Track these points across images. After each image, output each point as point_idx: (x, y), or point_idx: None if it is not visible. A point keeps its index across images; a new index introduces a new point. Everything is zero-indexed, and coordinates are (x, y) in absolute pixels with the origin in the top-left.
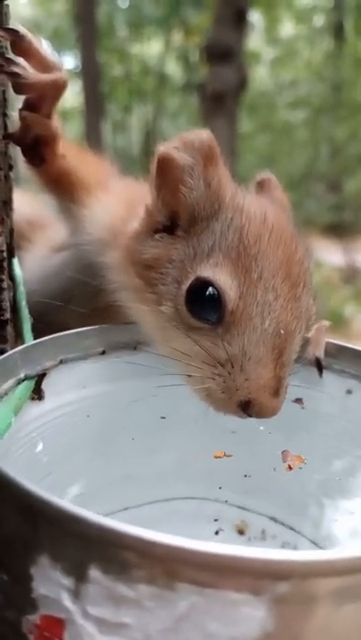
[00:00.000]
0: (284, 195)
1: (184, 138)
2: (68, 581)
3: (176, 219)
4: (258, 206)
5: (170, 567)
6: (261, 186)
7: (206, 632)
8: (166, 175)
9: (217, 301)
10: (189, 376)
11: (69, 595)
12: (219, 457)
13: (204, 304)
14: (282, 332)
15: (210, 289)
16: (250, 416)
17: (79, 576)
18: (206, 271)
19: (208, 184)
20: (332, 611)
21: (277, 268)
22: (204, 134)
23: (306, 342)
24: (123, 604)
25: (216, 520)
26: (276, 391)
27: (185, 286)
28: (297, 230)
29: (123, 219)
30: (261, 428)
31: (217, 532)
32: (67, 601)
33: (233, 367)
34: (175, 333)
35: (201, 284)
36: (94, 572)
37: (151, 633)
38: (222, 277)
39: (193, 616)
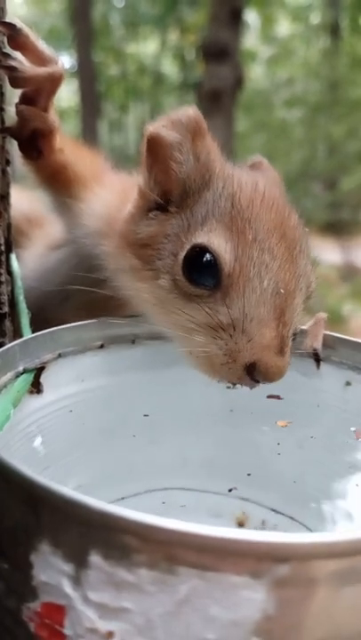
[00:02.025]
0: (276, 174)
1: (171, 116)
2: (68, 568)
3: (168, 196)
4: (249, 176)
5: (170, 551)
6: (253, 167)
7: (207, 616)
8: (156, 154)
9: (214, 266)
10: (193, 345)
11: (70, 581)
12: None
13: (201, 270)
14: (282, 290)
15: (206, 255)
16: (257, 382)
17: (80, 562)
18: (201, 238)
19: (197, 157)
20: (332, 593)
21: (272, 230)
22: (189, 110)
23: (304, 334)
24: (123, 588)
25: (216, 511)
26: (281, 350)
27: (181, 256)
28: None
29: (118, 208)
30: (265, 428)
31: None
32: (67, 587)
33: (235, 330)
34: (175, 305)
35: (197, 252)
36: (95, 558)
37: (152, 617)
38: (217, 241)
39: (194, 600)
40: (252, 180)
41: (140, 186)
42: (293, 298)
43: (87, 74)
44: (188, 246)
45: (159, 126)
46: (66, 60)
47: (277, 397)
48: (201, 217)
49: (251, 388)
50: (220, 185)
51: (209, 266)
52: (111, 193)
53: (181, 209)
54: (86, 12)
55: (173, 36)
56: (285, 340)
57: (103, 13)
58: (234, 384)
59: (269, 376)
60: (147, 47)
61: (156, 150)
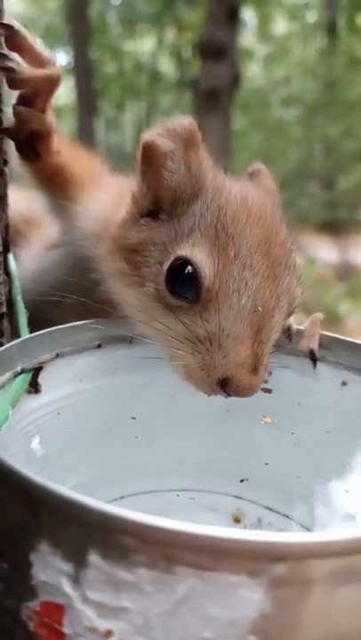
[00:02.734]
0: (272, 182)
1: (166, 125)
2: (67, 567)
3: (160, 203)
4: (239, 189)
5: (169, 551)
6: (252, 175)
7: (205, 615)
8: (150, 161)
9: (194, 279)
10: (172, 354)
11: (69, 580)
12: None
13: (182, 282)
14: (259, 308)
15: (188, 267)
16: (229, 395)
17: (79, 562)
18: (185, 250)
19: (189, 167)
20: (329, 593)
21: (255, 247)
22: (185, 120)
23: (300, 334)
24: (122, 588)
25: (213, 509)
26: (255, 368)
27: (165, 266)
28: (284, 216)
29: (113, 211)
30: (261, 428)
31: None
32: (66, 587)
33: (211, 344)
34: (157, 313)
35: (180, 264)
36: (94, 558)
37: (150, 617)
38: (199, 255)
39: (192, 599)
40: (242, 193)
41: (133, 192)
42: (272, 316)
43: (84, 71)
44: (172, 257)
45: (154, 134)
46: (62, 58)
47: (268, 391)
48: (187, 228)
49: (226, 397)
50: (208, 197)
51: (190, 278)
52: (108, 196)
53: (171, 218)
54: (83, 10)
55: (170, 34)
56: (260, 359)
57: (100, 11)
58: (208, 394)
59: (241, 393)
60: (143, 45)
61: (150, 157)
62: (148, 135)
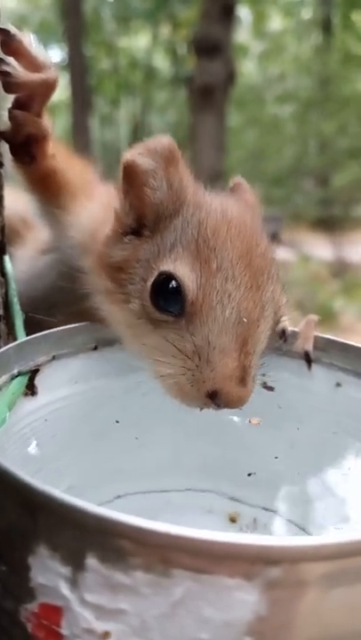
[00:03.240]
0: (253, 196)
1: (147, 144)
2: (65, 570)
3: (143, 220)
4: (219, 203)
5: (165, 554)
6: (233, 189)
7: (201, 617)
8: (132, 179)
9: (178, 293)
10: (160, 374)
11: (67, 583)
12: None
13: (167, 297)
14: (244, 320)
15: (172, 282)
16: (219, 407)
17: (77, 565)
18: (167, 265)
19: (170, 184)
20: (322, 594)
21: (237, 259)
22: (164, 140)
23: (295, 336)
24: (119, 590)
25: (208, 510)
26: (243, 380)
27: (149, 282)
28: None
29: (104, 222)
30: (256, 428)
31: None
32: (64, 589)
33: (200, 359)
34: (143, 330)
35: (163, 279)
36: (91, 561)
37: (147, 619)
38: (182, 269)
39: (188, 602)
40: (222, 207)
41: (115, 210)
42: (257, 326)
43: (78, 68)
44: (155, 272)
45: (135, 153)
46: (56, 54)
47: (271, 388)
48: (170, 243)
49: (216, 410)
50: (189, 212)
51: (174, 293)
52: (98, 206)
53: (154, 234)
54: (77, 6)
55: (165, 31)
56: (247, 370)
57: (94, 7)
58: (201, 408)
59: (230, 404)
60: (138, 41)
61: (131, 176)
62: (129, 155)
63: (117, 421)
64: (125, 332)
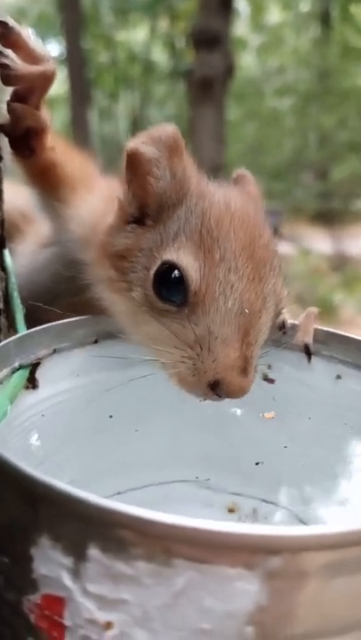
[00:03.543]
0: (256, 188)
1: (150, 133)
2: (67, 561)
3: (146, 209)
4: (222, 194)
5: (167, 544)
6: (236, 181)
7: (202, 607)
8: (135, 168)
9: (181, 283)
10: (162, 362)
11: (69, 574)
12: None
13: (169, 286)
14: (246, 310)
15: (175, 271)
16: (220, 397)
17: (79, 555)
18: (171, 254)
19: (174, 174)
20: (323, 584)
21: (240, 250)
22: (168, 128)
23: (295, 328)
24: (121, 581)
25: (208, 502)
26: (244, 370)
27: (152, 271)
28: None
29: (104, 215)
30: (256, 421)
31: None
32: (67, 580)
33: (201, 349)
34: (146, 318)
35: (167, 268)
36: (93, 551)
37: (149, 609)
38: (185, 259)
39: (189, 592)
40: (226, 198)
41: (119, 198)
42: (259, 317)
43: (76, 61)
44: (158, 262)
45: (139, 142)
46: (55, 48)
47: (271, 381)
48: (173, 233)
49: (218, 400)
50: (193, 202)
51: (177, 282)
52: (99, 199)
53: (157, 223)
54: None
55: (163, 24)
56: (249, 360)
57: (92, 0)
58: (202, 398)
59: (231, 394)
60: (137, 34)
61: (135, 165)
62: (132, 143)
63: (118, 414)
64: (127, 320)
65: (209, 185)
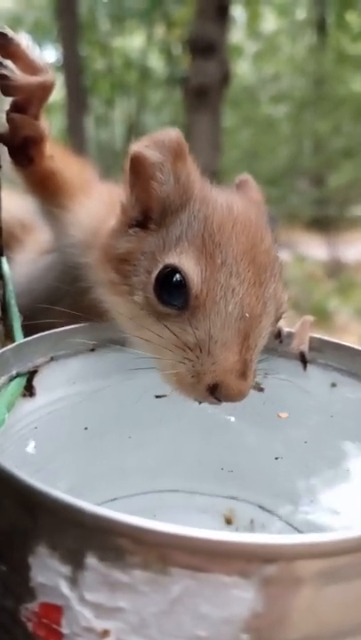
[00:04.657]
0: (258, 193)
1: (154, 137)
2: (65, 569)
3: (149, 213)
4: (225, 199)
5: (163, 553)
6: (239, 186)
7: (199, 614)
8: (139, 172)
9: (182, 287)
10: (162, 364)
11: (67, 582)
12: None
13: (171, 290)
14: (246, 315)
15: (176, 275)
16: (219, 400)
17: (76, 564)
18: (173, 258)
19: (177, 178)
20: (317, 591)
21: (241, 255)
22: (172, 133)
23: (291, 336)
24: (118, 589)
25: (204, 511)
26: (243, 374)
27: (154, 274)
28: (274, 220)
29: (104, 219)
30: (252, 429)
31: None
32: (64, 588)
33: (201, 352)
34: (146, 321)
35: (168, 272)
36: (91, 560)
37: (146, 616)
38: (187, 263)
39: (186, 599)
40: (228, 203)
41: (121, 202)
42: (259, 322)
43: (73, 68)
44: (160, 265)
45: (142, 146)
46: (51, 55)
47: (261, 389)
48: (175, 237)
49: (216, 404)
50: (196, 207)
51: (178, 286)
52: (98, 204)
53: (160, 227)
54: (72, 6)
55: (160, 31)
56: (248, 364)
57: (89, 7)
58: (199, 401)
59: (230, 398)
60: (133, 41)
61: (138, 169)
62: (136, 147)
63: (115, 422)
64: (128, 323)
65: (212, 190)
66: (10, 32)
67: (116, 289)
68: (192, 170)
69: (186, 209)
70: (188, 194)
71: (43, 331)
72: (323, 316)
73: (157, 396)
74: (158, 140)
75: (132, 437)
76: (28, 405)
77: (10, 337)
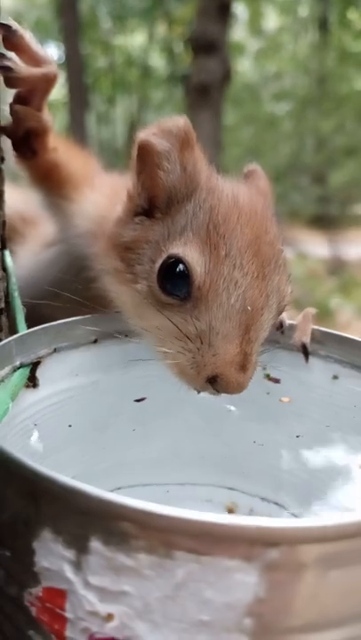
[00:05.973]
0: (267, 183)
1: (162, 124)
2: (69, 554)
3: (155, 202)
4: (231, 189)
5: (167, 537)
6: (247, 176)
7: (202, 599)
8: (145, 160)
9: (186, 277)
10: (163, 353)
11: (71, 566)
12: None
13: (174, 280)
14: (249, 308)
15: (180, 266)
16: (218, 392)
17: (80, 548)
18: (177, 248)
19: (184, 168)
20: (320, 576)
21: (246, 247)
22: (180, 121)
23: (293, 329)
24: (123, 573)
25: (206, 501)
26: (243, 366)
27: (158, 264)
28: (276, 217)
29: (108, 209)
30: (254, 421)
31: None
32: (68, 572)
33: (202, 343)
34: (149, 310)
35: (172, 262)
36: (95, 544)
37: (150, 601)
38: (191, 254)
39: (189, 583)
40: (234, 193)
41: (128, 190)
42: (261, 315)
43: (75, 66)
44: (164, 255)
45: (150, 134)
46: (53, 53)
47: (277, 381)
48: (180, 227)
49: (215, 395)
50: (201, 197)
51: (181, 276)
52: (102, 194)
53: (165, 216)
54: (73, 4)
55: (161, 29)
56: (248, 357)
57: (90, 5)
58: (198, 391)
59: (229, 390)
60: (134, 39)
61: (145, 157)
62: (143, 135)
63: (117, 414)
64: (131, 312)
65: (218, 180)
66: (13, 24)
67: (121, 277)
68: (199, 159)
69: (192, 199)
70: (195, 183)
71: (46, 322)
72: (325, 314)
73: (136, 400)
74: (166, 127)
75: (134, 430)
76: (31, 396)
77: (14, 329)
